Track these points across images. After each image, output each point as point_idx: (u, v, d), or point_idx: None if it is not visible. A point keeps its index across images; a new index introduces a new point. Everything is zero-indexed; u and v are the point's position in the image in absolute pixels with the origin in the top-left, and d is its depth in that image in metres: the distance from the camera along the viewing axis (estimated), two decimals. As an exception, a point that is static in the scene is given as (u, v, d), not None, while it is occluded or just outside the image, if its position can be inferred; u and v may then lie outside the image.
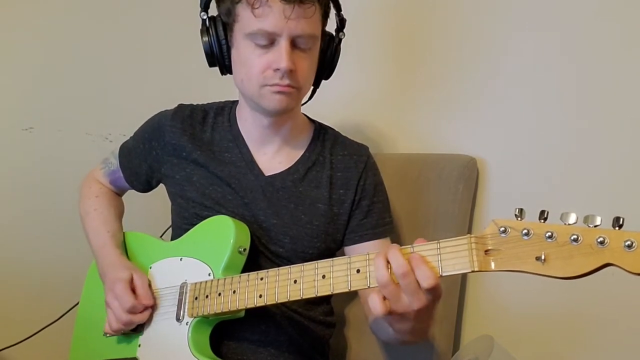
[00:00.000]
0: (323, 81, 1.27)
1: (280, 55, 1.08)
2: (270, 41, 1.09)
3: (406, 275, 0.84)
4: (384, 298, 0.87)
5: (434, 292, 0.85)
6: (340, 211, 1.25)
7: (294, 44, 1.10)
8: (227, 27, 1.16)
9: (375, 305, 0.87)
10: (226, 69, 1.21)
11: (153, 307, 1.19)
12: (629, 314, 1.20)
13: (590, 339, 1.26)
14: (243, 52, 1.13)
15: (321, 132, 1.32)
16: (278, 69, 1.09)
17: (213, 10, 1.19)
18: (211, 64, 1.21)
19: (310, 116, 1.36)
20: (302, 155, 1.27)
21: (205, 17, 1.18)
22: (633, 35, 1.20)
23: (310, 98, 1.30)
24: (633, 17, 1.20)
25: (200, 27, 1.19)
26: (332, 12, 1.21)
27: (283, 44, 1.08)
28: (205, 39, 1.18)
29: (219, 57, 1.19)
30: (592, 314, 1.26)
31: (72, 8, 1.84)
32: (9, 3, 1.74)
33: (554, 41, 1.33)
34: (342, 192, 1.25)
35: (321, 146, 1.29)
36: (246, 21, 1.10)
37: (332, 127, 1.36)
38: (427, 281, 0.83)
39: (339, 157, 1.28)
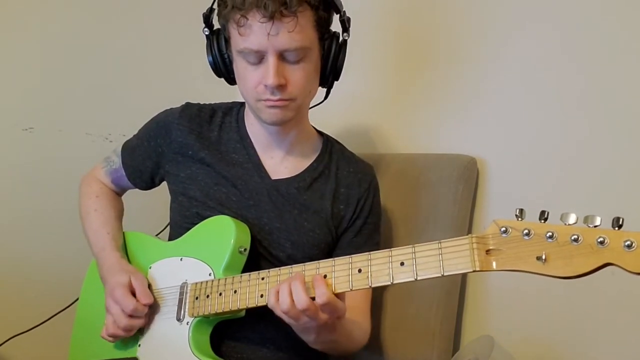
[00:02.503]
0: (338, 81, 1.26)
1: (267, 72, 1.09)
2: (259, 58, 1.10)
3: (306, 310, 0.95)
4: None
5: (331, 310, 0.96)
6: (337, 225, 1.26)
7: (283, 57, 1.10)
8: (227, 41, 1.18)
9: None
10: (232, 79, 1.23)
11: (152, 308, 1.19)
12: (629, 314, 1.21)
13: (590, 339, 1.26)
14: (239, 67, 1.15)
15: (329, 145, 1.33)
16: (267, 85, 1.11)
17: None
18: (218, 76, 1.24)
19: (312, 117, 1.36)
20: (309, 165, 1.28)
21: (207, 32, 1.20)
22: (634, 35, 1.20)
23: (325, 98, 1.30)
24: (633, 16, 1.20)
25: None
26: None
27: (270, 61, 1.09)
28: (209, 54, 1.21)
29: (224, 71, 1.22)
30: (592, 313, 1.26)
31: (72, 8, 1.84)
32: (9, 3, 1.74)
33: (554, 41, 1.33)
34: (343, 208, 1.27)
35: (328, 159, 1.31)
36: (235, 39, 1.12)
37: (335, 129, 1.38)
38: (321, 297, 0.94)
39: (345, 173, 1.30)
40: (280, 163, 1.27)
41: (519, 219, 0.79)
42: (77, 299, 1.41)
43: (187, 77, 1.91)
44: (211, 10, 1.19)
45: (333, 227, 1.26)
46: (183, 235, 1.25)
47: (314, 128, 1.36)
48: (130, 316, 1.15)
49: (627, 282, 1.15)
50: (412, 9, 1.67)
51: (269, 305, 1.00)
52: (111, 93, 1.92)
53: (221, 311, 1.08)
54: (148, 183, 1.38)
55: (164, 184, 1.36)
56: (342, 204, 1.27)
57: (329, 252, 1.27)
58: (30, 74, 1.78)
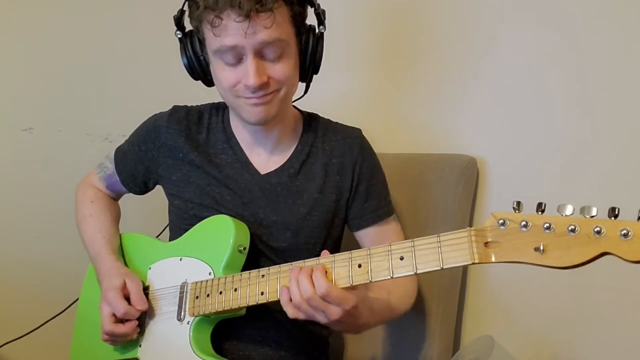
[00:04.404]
0: (323, 79, 1.26)
1: (247, 72, 1.08)
2: (237, 57, 1.08)
3: (311, 299, 0.94)
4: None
5: (336, 301, 0.94)
6: (338, 197, 1.25)
7: (262, 55, 1.09)
8: (201, 43, 1.16)
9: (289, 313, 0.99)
10: (210, 82, 1.21)
11: (153, 309, 1.19)
12: (629, 313, 1.21)
13: (590, 339, 1.26)
14: (215, 68, 1.13)
15: (312, 122, 1.32)
16: (247, 86, 1.09)
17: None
18: (195, 79, 1.22)
19: (310, 117, 1.36)
20: (294, 149, 1.27)
21: (180, 35, 1.18)
22: (634, 35, 1.20)
23: (305, 93, 1.27)
24: (633, 16, 1.20)
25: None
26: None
27: (249, 60, 1.07)
28: (184, 57, 1.19)
29: (200, 73, 1.19)
30: (593, 313, 1.26)
31: (72, 8, 1.84)
32: (9, 3, 1.75)
33: (554, 40, 1.33)
34: (339, 179, 1.25)
35: (313, 136, 1.29)
36: (210, 40, 1.09)
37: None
38: (320, 289, 0.93)
39: (333, 143, 1.28)
40: (268, 158, 1.26)
41: (517, 211, 0.79)
42: (76, 300, 1.41)
43: (187, 77, 1.91)
44: (182, 12, 1.16)
45: (332, 202, 1.24)
46: (182, 235, 1.25)
47: (296, 108, 1.33)
48: (120, 321, 1.15)
49: (627, 281, 1.16)
50: (412, 6, 1.67)
51: (282, 303, 0.99)
52: (111, 93, 1.92)
53: (222, 310, 1.08)
54: (141, 187, 1.38)
55: (160, 187, 1.36)
56: (338, 175, 1.25)
57: (333, 228, 1.26)
58: (30, 74, 1.79)
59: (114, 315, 1.15)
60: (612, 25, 1.24)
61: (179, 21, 1.17)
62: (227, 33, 1.05)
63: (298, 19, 1.14)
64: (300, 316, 0.98)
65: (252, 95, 1.11)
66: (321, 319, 0.97)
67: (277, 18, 1.05)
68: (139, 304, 1.16)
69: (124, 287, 1.18)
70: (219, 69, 1.12)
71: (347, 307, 0.95)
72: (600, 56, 1.25)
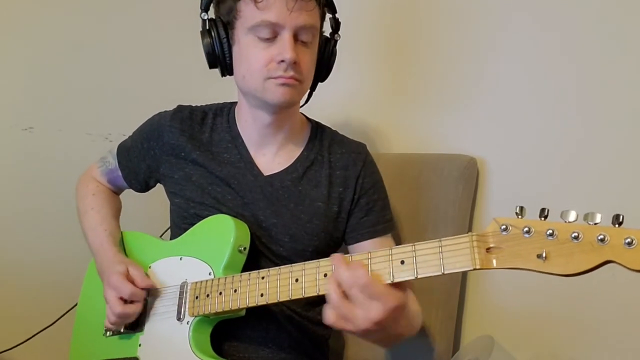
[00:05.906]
0: (323, 82, 1.28)
1: (284, 47, 1.10)
2: (274, 34, 1.11)
3: (352, 287, 0.86)
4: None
5: (379, 298, 0.86)
6: (339, 209, 1.25)
7: (295, 37, 1.12)
8: (228, 26, 1.17)
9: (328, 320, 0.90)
10: (227, 68, 1.21)
11: (152, 308, 1.19)
12: (629, 314, 1.21)
13: (590, 339, 1.26)
14: (245, 47, 1.14)
15: (318, 131, 1.33)
16: (282, 61, 1.11)
17: (210, 14, 1.20)
18: (212, 64, 1.21)
19: (311, 116, 1.36)
20: (300, 155, 1.28)
21: (205, 17, 1.19)
22: (633, 35, 1.20)
23: (306, 101, 1.30)
24: (632, 17, 1.20)
25: (199, 28, 1.20)
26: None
27: (286, 36, 1.10)
28: (206, 39, 1.19)
29: (220, 57, 1.19)
30: (593, 314, 1.26)
31: (72, 8, 1.84)
32: (9, 3, 1.74)
33: (554, 41, 1.33)
34: (342, 190, 1.26)
35: (319, 145, 1.30)
36: (249, 15, 1.11)
37: (330, 126, 1.37)
38: (359, 279, 0.85)
39: (338, 156, 1.29)
40: (273, 159, 1.27)
41: (519, 216, 0.78)
42: (74, 306, 1.41)
43: (187, 77, 1.91)
44: None
45: (335, 213, 1.25)
46: (182, 235, 1.25)
47: (304, 116, 1.35)
48: (126, 302, 1.16)
49: (627, 282, 1.15)
50: (412, 6, 1.67)
51: (331, 303, 0.89)
52: (111, 93, 1.93)
53: (221, 310, 1.08)
54: (142, 185, 1.39)
55: (162, 186, 1.36)
56: (341, 187, 1.26)
57: (331, 239, 1.26)
58: (30, 73, 1.79)
59: (121, 298, 1.16)
60: (611, 25, 1.24)
61: (208, 4, 1.19)
62: (273, 7, 1.09)
63: (322, 19, 1.20)
64: (339, 324, 0.89)
65: (283, 74, 1.12)
66: (359, 318, 0.87)
67: (316, 6, 1.12)
68: (142, 282, 1.17)
69: (127, 273, 1.19)
70: (251, 47, 1.14)
71: (389, 305, 0.86)
72: (600, 56, 1.25)
